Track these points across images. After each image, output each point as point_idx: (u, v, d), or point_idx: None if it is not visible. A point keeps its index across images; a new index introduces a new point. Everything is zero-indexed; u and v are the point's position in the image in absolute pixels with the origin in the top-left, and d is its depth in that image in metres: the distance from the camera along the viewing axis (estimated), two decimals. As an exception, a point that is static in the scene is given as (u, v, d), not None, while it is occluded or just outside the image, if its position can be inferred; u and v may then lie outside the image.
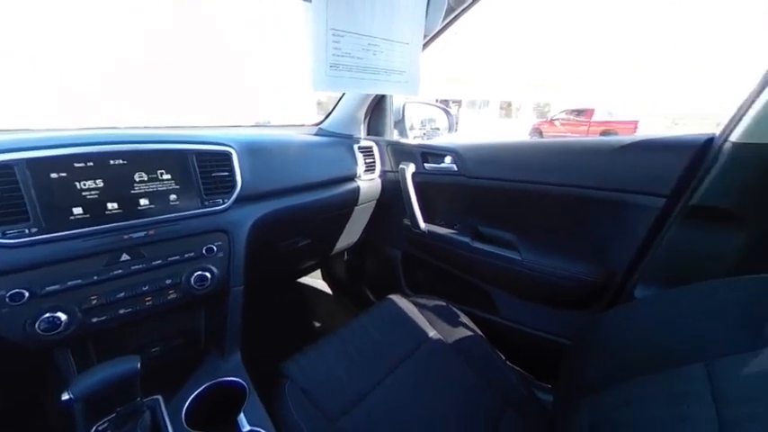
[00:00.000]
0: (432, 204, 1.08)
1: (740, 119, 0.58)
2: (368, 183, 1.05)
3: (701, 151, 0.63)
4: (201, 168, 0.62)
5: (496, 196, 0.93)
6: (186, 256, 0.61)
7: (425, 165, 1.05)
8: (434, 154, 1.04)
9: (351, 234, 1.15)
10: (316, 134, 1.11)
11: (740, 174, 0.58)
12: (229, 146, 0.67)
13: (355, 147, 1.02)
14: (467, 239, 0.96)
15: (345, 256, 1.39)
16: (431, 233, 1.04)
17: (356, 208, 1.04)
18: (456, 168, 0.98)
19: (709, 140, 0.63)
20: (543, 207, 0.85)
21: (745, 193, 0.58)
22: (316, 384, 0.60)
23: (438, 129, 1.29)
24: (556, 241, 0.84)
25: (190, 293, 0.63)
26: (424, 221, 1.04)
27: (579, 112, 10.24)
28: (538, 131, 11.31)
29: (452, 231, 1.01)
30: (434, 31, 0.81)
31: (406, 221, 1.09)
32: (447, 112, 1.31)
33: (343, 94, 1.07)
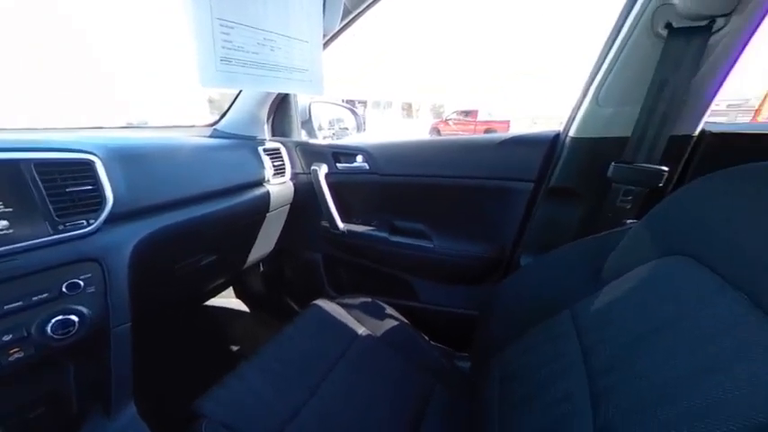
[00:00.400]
0: (348, 204, 1.08)
1: (574, 118, 0.76)
2: (279, 187, 0.98)
3: (552, 144, 0.80)
4: (48, 183, 0.47)
5: (407, 191, 0.99)
6: (36, 299, 0.47)
7: (338, 165, 1.04)
8: (346, 153, 1.04)
9: (265, 243, 1.07)
10: (210, 136, 0.99)
11: (576, 161, 0.76)
12: (90, 152, 0.53)
13: (260, 149, 0.94)
14: (385, 234, 1.01)
15: (261, 268, 1.28)
16: (350, 232, 1.04)
17: (268, 215, 0.97)
18: (368, 167, 1.01)
19: (557, 136, 0.80)
20: (446, 197, 0.95)
21: (580, 176, 0.77)
22: (240, 415, 0.54)
23: (347, 129, 1.31)
24: (459, 226, 0.95)
25: (47, 347, 0.48)
26: (342, 221, 1.04)
27: (467, 113, 11.82)
28: (436, 130, 12.57)
29: (371, 228, 1.04)
30: (333, 31, 0.81)
31: (324, 223, 1.07)
32: (354, 113, 1.34)
33: (240, 92, 0.98)
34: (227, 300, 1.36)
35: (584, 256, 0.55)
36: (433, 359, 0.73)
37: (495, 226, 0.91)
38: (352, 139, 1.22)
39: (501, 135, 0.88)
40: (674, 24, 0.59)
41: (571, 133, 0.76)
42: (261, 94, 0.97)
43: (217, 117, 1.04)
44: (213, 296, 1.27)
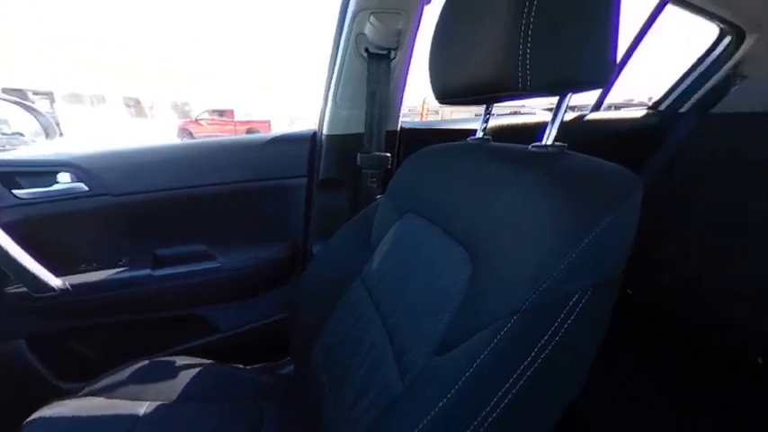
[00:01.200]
0: (61, 246, 0.72)
1: (324, 118, 0.88)
2: None
3: (312, 142, 0.90)
4: None
5: (168, 209, 0.79)
6: None
7: (16, 192, 0.66)
8: (34, 172, 0.68)
9: None
10: None
11: (334, 155, 0.90)
12: None
13: None
14: (146, 271, 0.76)
15: None
16: (78, 287, 0.71)
17: None
18: (87, 188, 0.71)
19: (314, 134, 0.91)
20: (223, 206, 0.84)
21: (339, 167, 0.91)
22: None
23: (21, 134, 0.84)
24: (246, 234, 0.89)
25: None
26: (58, 275, 0.69)
27: (221, 113, 10.81)
28: (187, 132, 10.67)
29: (120, 270, 0.75)
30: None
31: (16, 289, 0.66)
32: (32, 110, 0.87)
33: None
34: None
35: (357, 230, 0.67)
36: (253, 383, 0.66)
37: (283, 224, 0.92)
38: (38, 150, 0.80)
39: (266, 135, 0.88)
40: (370, 50, 0.80)
41: (324, 131, 0.88)
42: None
43: None
44: None
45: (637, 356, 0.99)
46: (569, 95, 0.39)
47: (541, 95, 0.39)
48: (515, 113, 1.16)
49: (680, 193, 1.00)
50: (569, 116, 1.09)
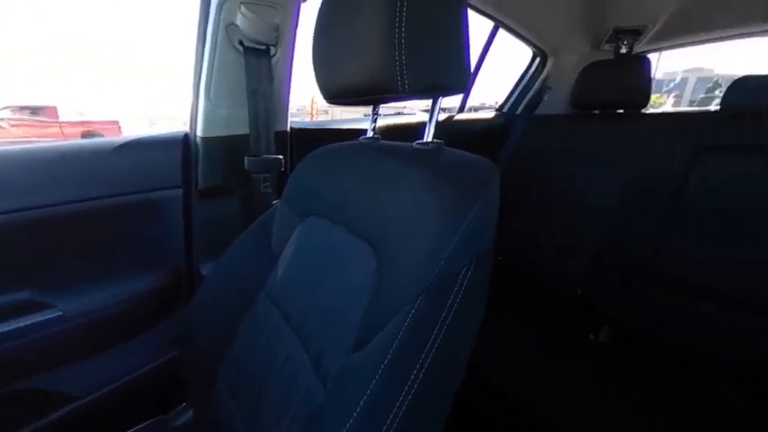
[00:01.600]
0: None
1: (197, 118, 0.76)
2: None
3: (184, 146, 0.76)
4: None
5: None
6: None
7: None
8: None
9: None
10: None
11: (215, 159, 0.79)
12: None
13: None
14: None
15: None
16: None
17: None
18: None
19: (186, 136, 0.77)
20: (61, 235, 0.64)
21: (224, 173, 0.81)
22: None
23: None
24: (103, 267, 0.69)
25: None
26: None
27: (34, 111, 7.99)
28: (-27, 137, 7.46)
29: None
30: None
31: None
32: None
33: None
34: None
35: (256, 239, 0.62)
36: None
37: (156, 247, 0.76)
38: None
39: (121, 138, 0.70)
40: (245, 43, 0.73)
41: (199, 133, 0.76)
42: None
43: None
44: None
45: (511, 308, 1.24)
46: (440, 98, 0.45)
47: (418, 98, 0.44)
48: (399, 114, 1.27)
49: (521, 176, 1.30)
50: (442, 116, 1.26)
